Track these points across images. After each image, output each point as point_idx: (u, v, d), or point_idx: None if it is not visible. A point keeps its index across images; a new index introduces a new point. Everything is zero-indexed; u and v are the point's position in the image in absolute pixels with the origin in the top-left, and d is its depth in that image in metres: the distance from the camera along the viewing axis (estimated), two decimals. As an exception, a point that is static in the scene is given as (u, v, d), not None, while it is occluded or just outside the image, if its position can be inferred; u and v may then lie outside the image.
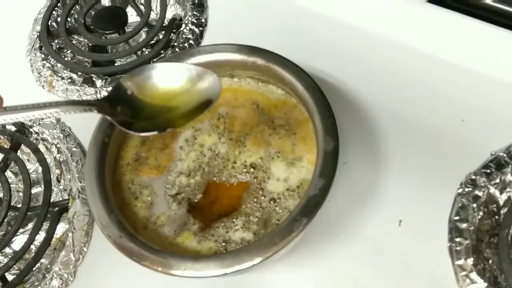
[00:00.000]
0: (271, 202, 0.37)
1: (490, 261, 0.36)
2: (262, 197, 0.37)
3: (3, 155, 0.47)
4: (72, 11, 0.57)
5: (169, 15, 0.55)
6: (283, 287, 0.38)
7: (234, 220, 0.37)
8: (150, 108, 0.31)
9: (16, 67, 0.55)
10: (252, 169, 0.38)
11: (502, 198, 0.38)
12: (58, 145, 0.47)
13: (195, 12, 0.53)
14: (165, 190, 0.39)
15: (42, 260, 0.43)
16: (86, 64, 0.54)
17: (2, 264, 0.44)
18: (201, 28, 0.52)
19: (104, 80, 0.50)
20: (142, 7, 0.56)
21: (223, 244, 0.36)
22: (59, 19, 0.56)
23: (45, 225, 0.43)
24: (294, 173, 0.38)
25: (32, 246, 0.43)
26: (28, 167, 0.46)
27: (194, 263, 0.33)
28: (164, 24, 0.53)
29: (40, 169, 0.45)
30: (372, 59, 0.46)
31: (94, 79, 0.51)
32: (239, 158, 0.39)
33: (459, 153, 0.40)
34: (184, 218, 0.38)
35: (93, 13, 0.55)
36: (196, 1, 0.54)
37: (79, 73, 0.51)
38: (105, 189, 0.37)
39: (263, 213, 0.37)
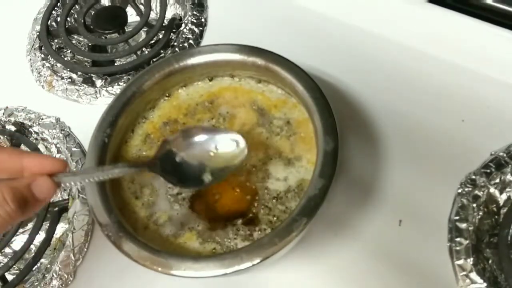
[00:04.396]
0: (273, 201, 0.37)
1: (490, 261, 0.36)
2: (265, 196, 0.37)
3: (3, 155, 0.47)
4: (71, 11, 0.56)
5: (169, 14, 0.55)
6: (282, 287, 0.38)
7: (237, 223, 0.37)
8: (188, 166, 0.36)
9: (16, 67, 0.55)
10: (253, 169, 0.38)
11: (502, 198, 0.38)
12: (57, 145, 0.47)
13: (195, 12, 0.53)
14: (167, 189, 0.39)
15: (42, 260, 0.43)
16: (86, 64, 0.54)
17: (2, 264, 0.44)
18: (201, 28, 0.52)
19: (104, 80, 0.50)
20: (142, 7, 0.56)
21: (226, 246, 0.36)
22: (58, 19, 0.56)
23: (45, 225, 0.43)
24: (293, 173, 0.38)
25: (32, 246, 0.43)
26: (27, 167, 0.46)
27: (194, 263, 0.33)
28: (164, 24, 0.53)
29: (39, 169, 0.45)
30: (372, 59, 0.46)
31: (94, 79, 0.51)
32: None
33: (459, 153, 0.40)
34: (186, 218, 0.37)
35: (92, 13, 0.55)
36: (196, 1, 0.54)
37: (79, 73, 0.51)
38: (105, 189, 0.37)
39: (266, 214, 0.37)
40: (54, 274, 0.40)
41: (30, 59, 0.54)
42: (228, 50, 0.41)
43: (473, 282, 0.35)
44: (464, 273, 0.35)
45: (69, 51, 0.54)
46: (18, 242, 0.46)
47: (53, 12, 0.57)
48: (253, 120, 0.41)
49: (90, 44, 0.56)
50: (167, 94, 0.43)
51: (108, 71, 0.51)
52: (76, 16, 0.57)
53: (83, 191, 0.43)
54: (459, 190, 0.38)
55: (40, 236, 0.43)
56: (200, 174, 0.36)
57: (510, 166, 0.38)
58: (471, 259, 0.35)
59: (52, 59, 0.53)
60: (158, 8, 0.54)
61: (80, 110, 0.50)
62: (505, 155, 0.39)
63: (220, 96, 0.42)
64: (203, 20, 0.53)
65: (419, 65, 0.45)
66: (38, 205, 0.28)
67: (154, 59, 0.51)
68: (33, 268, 0.42)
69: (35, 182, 0.28)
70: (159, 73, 0.42)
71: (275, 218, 0.36)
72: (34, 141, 0.48)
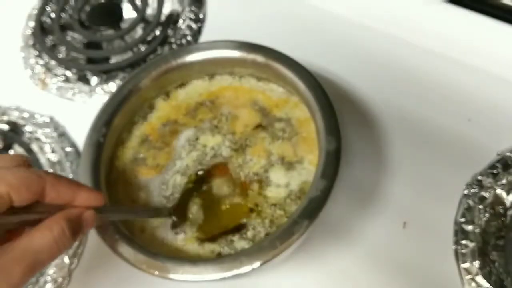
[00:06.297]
0: (273, 207, 0.36)
1: (496, 264, 0.35)
2: (266, 203, 0.36)
3: (-5, 154, 0.46)
4: (66, 7, 0.55)
5: (166, 10, 0.54)
6: (283, 291, 0.37)
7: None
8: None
9: (9, 64, 0.54)
10: (255, 176, 0.38)
11: (508, 199, 0.37)
12: (52, 145, 0.46)
13: (193, 8, 0.52)
14: (160, 191, 0.38)
15: (36, 263, 0.42)
16: (81, 61, 0.53)
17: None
18: (199, 24, 0.51)
19: (99, 78, 0.49)
20: (138, 2, 0.55)
21: (225, 248, 0.35)
22: (53, 15, 0.55)
23: (39, 227, 0.42)
24: (294, 176, 0.37)
25: (26, 249, 0.42)
26: (21, 167, 0.45)
27: (192, 266, 0.32)
28: (160, 20, 0.52)
29: (33, 169, 0.44)
30: (376, 57, 0.46)
31: (89, 76, 0.50)
32: (242, 170, 0.38)
33: (465, 153, 0.40)
34: (183, 222, 0.37)
35: (87, 8, 0.54)
36: (194, -4, 0.53)
37: (74, 70, 0.51)
38: (101, 191, 0.36)
39: (267, 217, 0.36)
40: (48, 278, 0.40)
41: (24, 56, 0.53)
42: (227, 47, 0.40)
43: (479, 285, 0.34)
44: (470, 276, 0.35)
45: (63, 48, 0.53)
46: (11, 244, 0.45)
47: (47, 8, 0.56)
48: (256, 120, 0.40)
49: (85, 42, 0.55)
50: (164, 93, 0.42)
51: (103, 69, 0.50)
52: (70, 12, 0.56)
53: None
54: (465, 192, 0.38)
55: (34, 239, 0.42)
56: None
57: (516, 166, 0.37)
58: (477, 262, 0.35)
59: (46, 56, 0.52)
60: (155, 3, 0.53)
61: (75, 109, 0.49)
62: (511, 155, 0.38)
63: (220, 96, 0.42)
64: (201, 16, 0.52)
65: (425, 64, 0.45)
66: (82, 235, 0.31)
67: (151, 56, 0.50)
68: (27, 271, 0.41)
69: (84, 215, 0.30)
70: (156, 71, 0.41)
71: (276, 222, 0.36)
72: (27, 140, 0.47)
